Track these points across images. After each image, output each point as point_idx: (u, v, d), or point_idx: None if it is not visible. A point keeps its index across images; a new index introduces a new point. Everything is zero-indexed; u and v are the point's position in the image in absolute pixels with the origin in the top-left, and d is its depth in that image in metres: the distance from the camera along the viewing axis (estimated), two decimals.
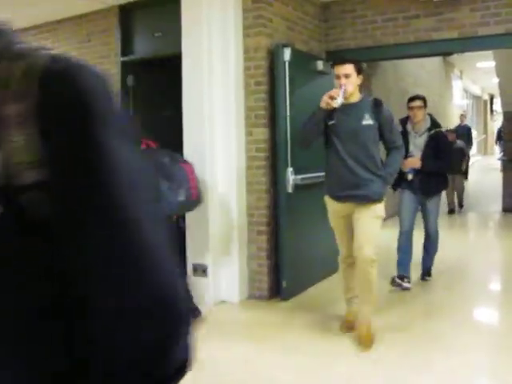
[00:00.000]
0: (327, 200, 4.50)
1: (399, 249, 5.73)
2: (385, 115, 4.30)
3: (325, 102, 4.08)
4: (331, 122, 4.23)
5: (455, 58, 15.84)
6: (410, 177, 5.50)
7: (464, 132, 13.41)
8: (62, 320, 0.79)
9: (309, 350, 4.16)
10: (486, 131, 30.62)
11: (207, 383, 3.72)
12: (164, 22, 5.94)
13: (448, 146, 5.92)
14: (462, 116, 14.77)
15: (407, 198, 5.64)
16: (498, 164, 13.91)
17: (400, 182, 5.44)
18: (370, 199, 4.18)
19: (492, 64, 12.37)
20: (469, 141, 13.29)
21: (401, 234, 5.72)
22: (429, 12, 5.83)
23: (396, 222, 5.89)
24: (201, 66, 5.23)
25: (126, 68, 6.38)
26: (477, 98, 29.15)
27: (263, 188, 5.38)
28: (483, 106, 30.42)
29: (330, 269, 6.26)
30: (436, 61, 15.48)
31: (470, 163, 22.80)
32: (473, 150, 26.53)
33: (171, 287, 0.82)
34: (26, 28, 7.26)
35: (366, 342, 4.12)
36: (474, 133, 27.25)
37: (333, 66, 4.39)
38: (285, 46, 5.31)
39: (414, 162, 5.49)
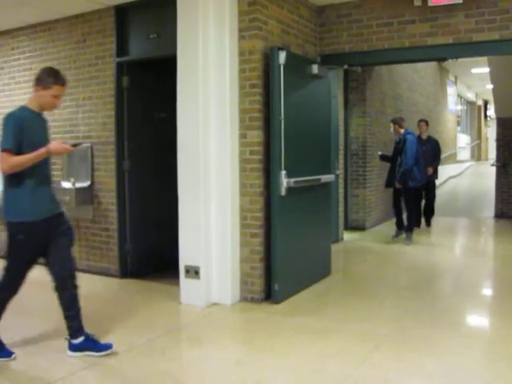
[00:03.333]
0: None
1: None
2: None
3: None
4: None
5: (450, 63, 15.91)
6: None
7: (430, 148, 9.60)
8: None
9: (300, 352, 4.16)
10: (479, 137, 30.74)
11: None
12: (160, 24, 5.94)
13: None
14: (422, 123, 10.03)
15: None
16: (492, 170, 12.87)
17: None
18: None
19: (487, 70, 12.42)
20: (435, 159, 9.75)
21: None
22: (424, 17, 5.85)
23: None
24: (196, 68, 5.23)
25: (121, 69, 6.38)
26: (471, 103, 29.25)
27: (256, 191, 5.38)
28: (477, 111, 30.53)
29: (322, 272, 6.28)
30: (431, 66, 15.54)
31: (463, 170, 22.93)
32: (466, 156, 26.70)
33: None
34: (21, 27, 7.26)
35: None
36: (467, 139, 27.43)
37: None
38: (280, 49, 5.32)
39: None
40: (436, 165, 9.88)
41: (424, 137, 9.83)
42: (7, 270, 3.97)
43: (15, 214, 3.87)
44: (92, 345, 4.08)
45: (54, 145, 3.89)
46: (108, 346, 4.10)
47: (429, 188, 9.79)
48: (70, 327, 4.10)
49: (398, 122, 8.71)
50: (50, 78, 3.91)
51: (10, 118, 3.89)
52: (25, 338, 4.65)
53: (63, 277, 4.04)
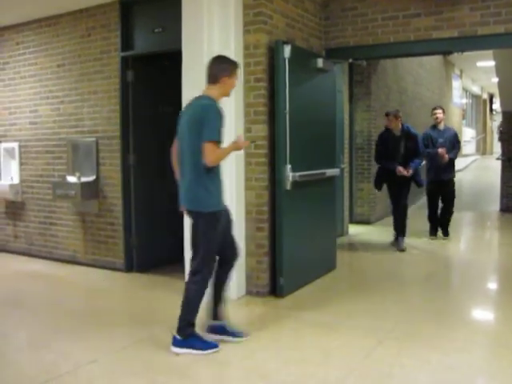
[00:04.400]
0: None
1: None
2: None
3: None
4: None
5: (455, 57, 15.85)
6: None
7: (448, 139, 8.11)
8: None
9: (304, 346, 4.17)
10: (485, 130, 30.67)
11: (202, 379, 3.74)
12: (164, 18, 5.94)
13: None
14: (438, 111, 8.31)
15: None
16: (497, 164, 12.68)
17: None
18: None
19: (492, 63, 12.36)
20: (452, 150, 8.10)
21: None
22: (429, 11, 5.83)
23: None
24: (201, 62, 5.21)
25: (126, 63, 6.38)
26: (476, 97, 29.17)
27: (262, 185, 5.38)
28: (483, 105, 30.45)
29: (327, 266, 6.28)
30: (436, 60, 15.49)
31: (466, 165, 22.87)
32: (471, 150, 26.64)
33: None
34: (26, 22, 7.27)
35: None
36: (472, 133, 27.37)
37: None
38: (285, 42, 5.31)
39: None
40: (453, 156, 8.19)
41: (441, 127, 8.29)
42: (203, 257, 3.99)
43: (210, 205, 3.96)
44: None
45: (240, 139, 4.13)
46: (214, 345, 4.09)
47: (446, 189, 8.29)
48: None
49: (397, 115, 7.73)
50: (231, 64, 4.09)
51: (213, 108, 3.92)
52: (29, 332, 4.68)
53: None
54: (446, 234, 8.46)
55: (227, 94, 4.16)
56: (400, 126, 7.75)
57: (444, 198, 8.37)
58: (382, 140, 7.90)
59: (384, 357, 3.94)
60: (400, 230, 7.79)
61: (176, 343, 4.02)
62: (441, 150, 7.91)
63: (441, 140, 8.12)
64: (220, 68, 4.02)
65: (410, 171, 7.56)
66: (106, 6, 6.44)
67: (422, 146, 7.84)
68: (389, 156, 7.71)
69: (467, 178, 18.99)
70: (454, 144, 8.28)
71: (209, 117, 3.85)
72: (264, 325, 4.67)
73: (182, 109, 4.23)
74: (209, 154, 3.80)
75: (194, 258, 4.07)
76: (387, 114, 7.94)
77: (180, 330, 4.02)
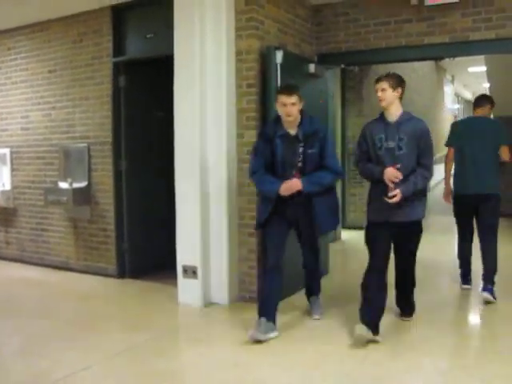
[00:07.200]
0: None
1: None
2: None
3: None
4: None
5: (447, 62, 15.91)
6: None
7: (407, 139, 4.49)
8: None
9: (298, 351, 4.16)
10: None
11: None
12: (156, 23, 5.94)
13: None
14: (379, 87, 4.50)
15: None
16: None
17: None
18: None
19: (483, 69, 12.42)
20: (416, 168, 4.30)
21: None
22: (421, 16, 5.85)
23: None
24: (192, 68, 5.23)
25: (118, 69, 6.37)
26: (468, 102, 29.27)
27: (254, 190, 5.37)
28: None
29: None
30: (428, 65, 15.55)
31: None
32: None
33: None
34: (17, 27, 7.25)
35: None
36: None
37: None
38: (277, 48, 5.31)
39: None
40: (410, 188, 4.23)
41: (392, 117, 4.55)
42: (496, 229, 5.50)
43: (498, 188, 5.46)
44: None
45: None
46: None
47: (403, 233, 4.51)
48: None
49: (301, 97, 4.52)
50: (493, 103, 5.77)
51: (501, 123, 5.73)
52: (24, 337, 4.65)
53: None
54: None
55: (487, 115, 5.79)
56: (299, 119, 4.51)
57: (398, 247, 4.66)
58: (263, 142, 4.57)
59: (378, 361, 3.93)
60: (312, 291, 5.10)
61: (490, 291, 5.24)
62: (390, 171, 4.21)
63: (391, 143, 4.32)
64: (490, 101, 5.76)
65: (303, 186, 4.40)
66: (98, 11, 6.43)
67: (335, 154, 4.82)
68: (275, 170, 4.53)
69: None
70: (425, 151, 4.31)
71: (503, 129, 5.56)
72: None
73: (467, 126, 5.80)
74: (507, 153, 5.48)
75: (493, 226, 5.47)
76: (283, 92, 4.48)
77: (492, 281, 5.29)
